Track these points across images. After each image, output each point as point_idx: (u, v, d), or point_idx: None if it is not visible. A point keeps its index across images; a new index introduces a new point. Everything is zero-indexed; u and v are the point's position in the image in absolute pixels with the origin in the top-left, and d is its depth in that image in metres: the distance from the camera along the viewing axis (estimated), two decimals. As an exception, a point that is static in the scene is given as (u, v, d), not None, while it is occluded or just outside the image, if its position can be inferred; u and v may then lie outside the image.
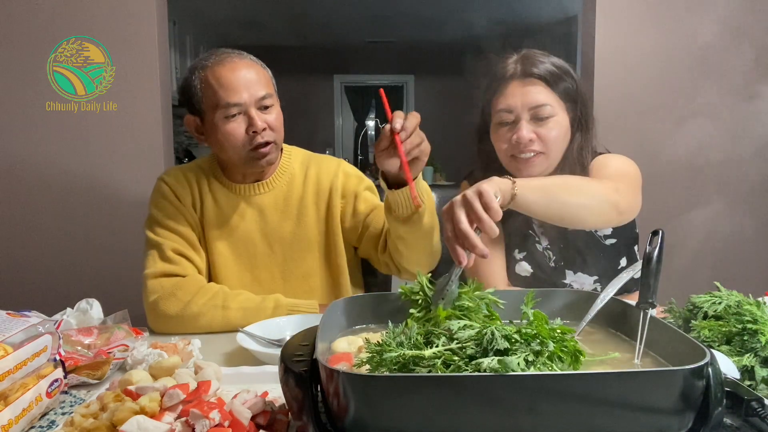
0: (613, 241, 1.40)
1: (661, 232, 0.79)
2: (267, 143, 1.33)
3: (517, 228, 1.42)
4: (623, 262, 1.41)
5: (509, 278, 1.41)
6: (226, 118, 1.31)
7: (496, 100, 1.34)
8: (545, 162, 1.33)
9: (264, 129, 1.32)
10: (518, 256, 1.41)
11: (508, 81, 1.32)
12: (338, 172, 1.45)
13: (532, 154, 1.31)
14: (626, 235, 1.42)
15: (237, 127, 1.31)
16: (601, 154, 1.41)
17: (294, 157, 1.48)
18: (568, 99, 1.33)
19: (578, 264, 1.38)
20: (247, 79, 1.31)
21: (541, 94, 1.30)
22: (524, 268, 1.40)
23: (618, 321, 0.84)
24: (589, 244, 1.39)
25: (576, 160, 1.37)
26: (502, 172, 1.39)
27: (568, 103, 1.33)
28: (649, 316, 0.74)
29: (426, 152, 1.10)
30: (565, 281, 1.39)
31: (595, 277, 1.39)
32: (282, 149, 1.46)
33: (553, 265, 1.40)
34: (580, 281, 1.38)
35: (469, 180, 1.48)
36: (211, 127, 1.34)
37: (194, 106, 1.36)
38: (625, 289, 1.17)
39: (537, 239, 1.41)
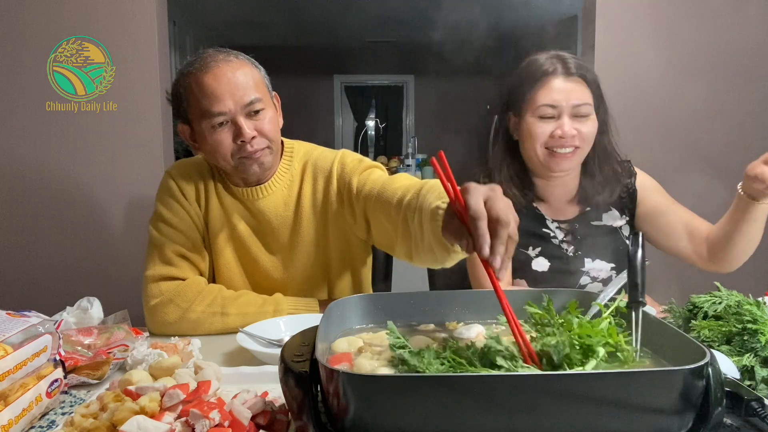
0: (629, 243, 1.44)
1: (641, 233, 0.81)
2: (258, 151, 1.27)
3: (530, 227, 1.43)
4: None
5: (526, 276, 1.42)
6: (213, 128, 1.25)
7: (536, 95, 1.36)
8: (578, 158, 1.39)
9: (254, 137, 1.25)
10: (533, 253, 1.42)
11: (551, 77, 1.36)
12: (333, 170, 1.37)
13: (571, 149, 1.35)
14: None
15: (225, 137, 1.25)
16: (626, 161, 1.49)
17: (296, 155, 1.41)
18: (596, 99, 1.39)
19: (596, 251, 1.42)
20: (233, 85, 1.23)
21: (583, 93, 1.36)
22: (541, 264, 1.42)
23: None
24: (608, 236, 1.44)
25: (604, 161, 1.44)
26: (520, 170, 1.45)
27: (596, 101, 1.39)
28: (640, 313, 0.75)
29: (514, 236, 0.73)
30: (583, 269, 1.42)
31: (612, 264, 1.42)
32: (283, 148, 1.41)
33: (570, 254, 1.43)
34: (598, 268, 1.42)
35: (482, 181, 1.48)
36: (200, 136, 1.28)
37: (183, 115, 1.31)
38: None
39: (552, 234, 1.43)
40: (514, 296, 0.88)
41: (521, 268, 1.41)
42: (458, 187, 0.74)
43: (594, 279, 1.42)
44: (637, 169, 1.50)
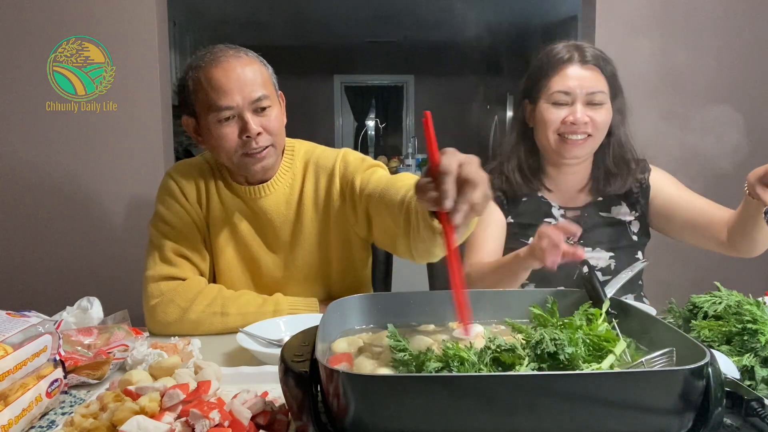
0: (636, 238, 1.46)
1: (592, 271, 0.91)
2: (263, 148, 1.28)
3: (531, 217, 1.44)
4: (639, 255, 1.46)
5: None
6: (219, 122, 1.25)
7: (551, 82, 1.37)
8: (591, 146, 1.40)
9: (259, 134, 1.26)
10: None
11: (566, 64, 1.37)
12: (335, 168, 1.37)
13: (583, 136, 1.36)
14: (647, 236, 1.49)
15: (230, 132, 1.25)
16: (641, 159, 1.49)
17: (297, 154, 1.41)
18: (612, 88, 1.40)
19: (597, 241, 1.43)
20: (242, 80, 1.24)
21: (597, 81, 1.37)
22: None
23: (616, 320, 0.84)
24: (613, 227, 1.44)
25: (617, 152, 1.44)
26: (531, 158, 1.46)
27: (612, 92, 1.40)
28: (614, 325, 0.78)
29: (485, 201, 0.76)
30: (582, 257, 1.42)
31: (611, 254, 1.43)
32: (285, 148, 1.41)
33: (571, 243, 1.42)
34: (597, 257, 1.42)
35: (493, 171, 1.48)
36: (206, 129, 1.29)
37: (189, 107, 1.32)
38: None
39: (555, 222, 1.43)
40: (517, 297, 0.88)
41: None
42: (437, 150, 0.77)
43: (593, 268, 1.42)
44: (652, 166, 1.50)
